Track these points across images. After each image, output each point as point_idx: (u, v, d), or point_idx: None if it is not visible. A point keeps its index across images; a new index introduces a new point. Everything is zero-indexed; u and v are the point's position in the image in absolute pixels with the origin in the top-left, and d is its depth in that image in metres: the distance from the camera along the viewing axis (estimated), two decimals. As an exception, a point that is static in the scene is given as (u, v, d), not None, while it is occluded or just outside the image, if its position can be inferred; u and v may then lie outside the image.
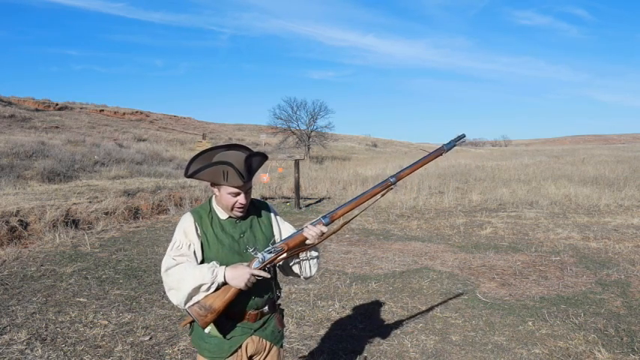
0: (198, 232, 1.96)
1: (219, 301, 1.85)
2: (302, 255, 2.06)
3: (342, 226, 2.11)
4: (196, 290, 1.84)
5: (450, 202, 12.14)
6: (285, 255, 1.97)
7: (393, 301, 4.89)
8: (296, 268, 2.09)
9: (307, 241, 1.99)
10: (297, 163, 12.29)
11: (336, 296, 5.01)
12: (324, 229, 2.00)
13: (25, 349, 3.74)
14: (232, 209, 1.96)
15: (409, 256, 6.80)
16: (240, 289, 1.87)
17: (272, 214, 2.15)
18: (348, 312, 4.60)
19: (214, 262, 1.89)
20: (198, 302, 1.85)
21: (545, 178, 16.78)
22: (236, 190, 1.92)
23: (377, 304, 4.79)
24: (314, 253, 2.11)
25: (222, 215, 2.01)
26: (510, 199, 12.27)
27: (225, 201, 1.95)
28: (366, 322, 4.36)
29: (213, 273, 1.84)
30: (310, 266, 2.11)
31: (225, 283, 1.86)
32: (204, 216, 2.00)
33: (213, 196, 2.04)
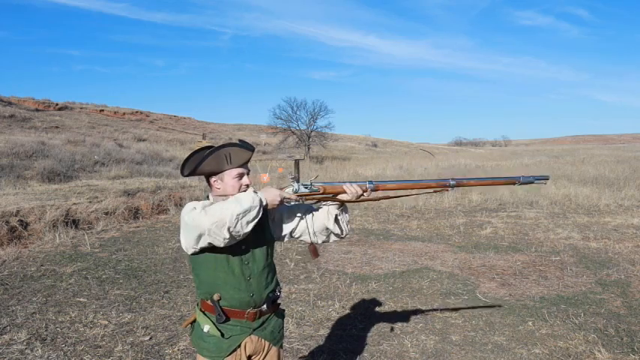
0: None
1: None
2: (339, 212, 2.04)
3: (381, 199, 2.10)
4: (246, 213, 1.76)
5: (450, 202, 12.13)
6: (320, 196, 1.98)
7: (393, 301, 4.90)
8: (335, 228, 2.05)
9: (344, 196, 1.99)
10: (297, 163, 12.32)
11: (336, 296, 5.01)
12: (362, 190, 2.00)
13: (25, 349, 3.74)
14: None
15: (409, 256, 6.80)
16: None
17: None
18: (348, 312, 4.60)
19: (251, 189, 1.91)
20: None
21: (545, 178, 16.74)
22: (241, 171, 1.94)
23: (377, 304, 4.79)
24: (346, 216, 2.09)
25: None
26: (510, 199, 12.26)
27: (232, 188, 1.94)
28: (366, 322, 4.36)
29: (256, 195, 1.83)
30: (345, 225, 2.09)
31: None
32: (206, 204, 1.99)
33: (210, 194, 2.04)
